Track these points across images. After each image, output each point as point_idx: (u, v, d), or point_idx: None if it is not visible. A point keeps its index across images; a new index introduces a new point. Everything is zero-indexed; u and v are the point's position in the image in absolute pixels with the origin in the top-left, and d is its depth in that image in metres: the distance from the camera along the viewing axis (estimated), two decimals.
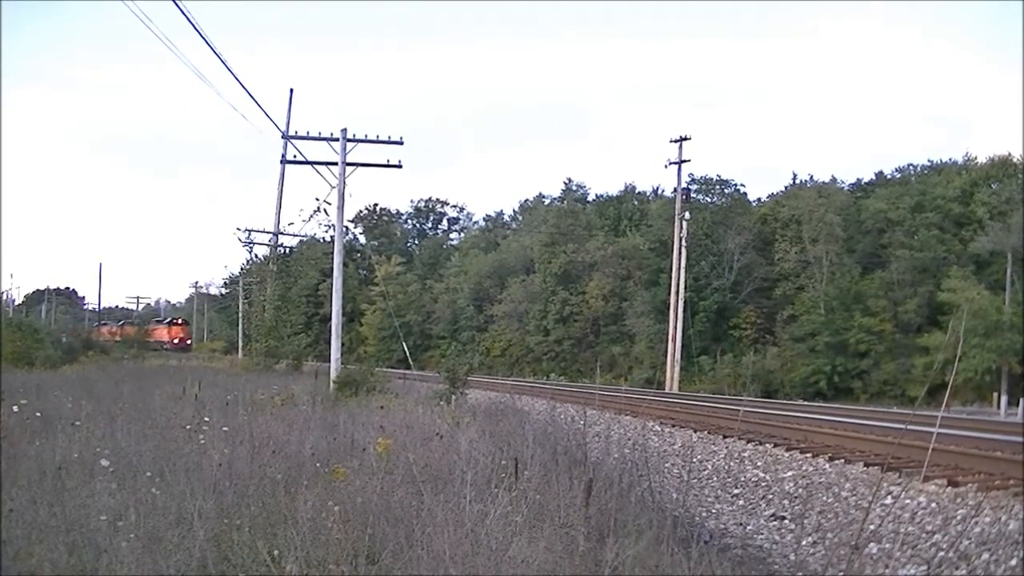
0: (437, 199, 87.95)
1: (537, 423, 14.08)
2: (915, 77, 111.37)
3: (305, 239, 48.46)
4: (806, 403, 28.97)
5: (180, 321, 78.61)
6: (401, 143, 22.05)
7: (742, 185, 61.09)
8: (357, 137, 22.22)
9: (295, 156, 24.17)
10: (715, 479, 11.99)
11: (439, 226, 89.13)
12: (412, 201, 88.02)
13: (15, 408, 9.73)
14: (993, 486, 8.92)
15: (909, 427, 12.52)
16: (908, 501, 8.88)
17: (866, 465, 10.87)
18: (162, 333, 70.99)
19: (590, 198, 71.64)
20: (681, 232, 39.55)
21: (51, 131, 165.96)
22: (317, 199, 32.65)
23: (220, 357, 53.21)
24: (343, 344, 23.78)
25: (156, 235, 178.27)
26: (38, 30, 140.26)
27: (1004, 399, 35.92)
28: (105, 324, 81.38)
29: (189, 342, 75.01)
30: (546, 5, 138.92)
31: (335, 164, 22.24)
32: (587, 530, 5.58)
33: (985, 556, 7.11)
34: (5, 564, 4.92)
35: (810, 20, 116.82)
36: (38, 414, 10.41)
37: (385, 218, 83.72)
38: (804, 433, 14.03)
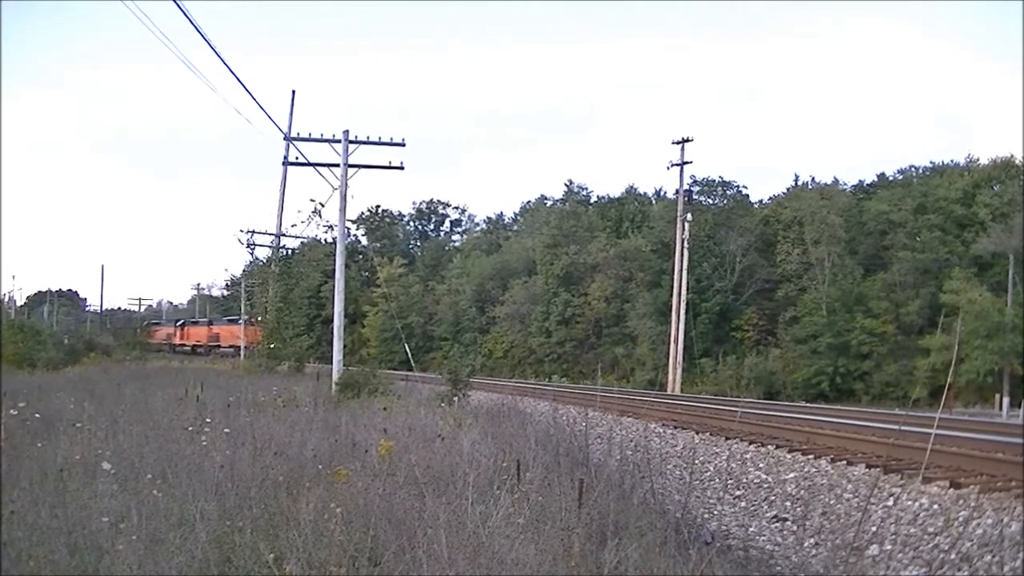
0: (439, 200, 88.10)
1: (539, 425, 14.07)
2: (917, 78, 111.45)
3: (307, 241, 48.35)
4: (808, 405, 28.92)
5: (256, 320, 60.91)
6: (403, 145, 22.04)
7: (744, 187, 61.18)
8: (359, 139, 22.20)
9: (297, 158, 24.16)
10: (717, 480, 11.99)
11: (441, 228, 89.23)
12: (414, 203, 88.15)
13: (13, 412, 9.74)
14: (995, 487, 8.91)
15: (904, 428, 12.52)
16: (909, 503, 8.87)
17: (868, 466, 10.85)
18: (235, 334, 56.01)
19: (592, 200, 71.60)
20: (683, 234, 39.54)
21: (52, 132, 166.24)
22: (312, 200, 32.50)
23: (222, 359, 53.00)
24: (345, 346, 23.76)
25: (158, 236, 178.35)
26: (38, 30, 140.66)
27: (1006, 400, 35.94)
28: (157, 324, 75.81)
29: (272, 346, 54.73)
30: (548, 7, 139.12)
31: (337, 166, 22.23)
32: (587, 532, 5.58)
33: (987, 558, 7.11)
34: (6, 566, 4.93)
35: (811, 21, 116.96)
36: (39, 416, 10.43)
37: (387, 220, 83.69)
38: (806, 435, 14.02)
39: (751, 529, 9.39)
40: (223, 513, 5.93)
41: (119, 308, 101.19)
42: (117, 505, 5.98)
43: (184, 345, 63.17)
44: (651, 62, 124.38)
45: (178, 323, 71.24)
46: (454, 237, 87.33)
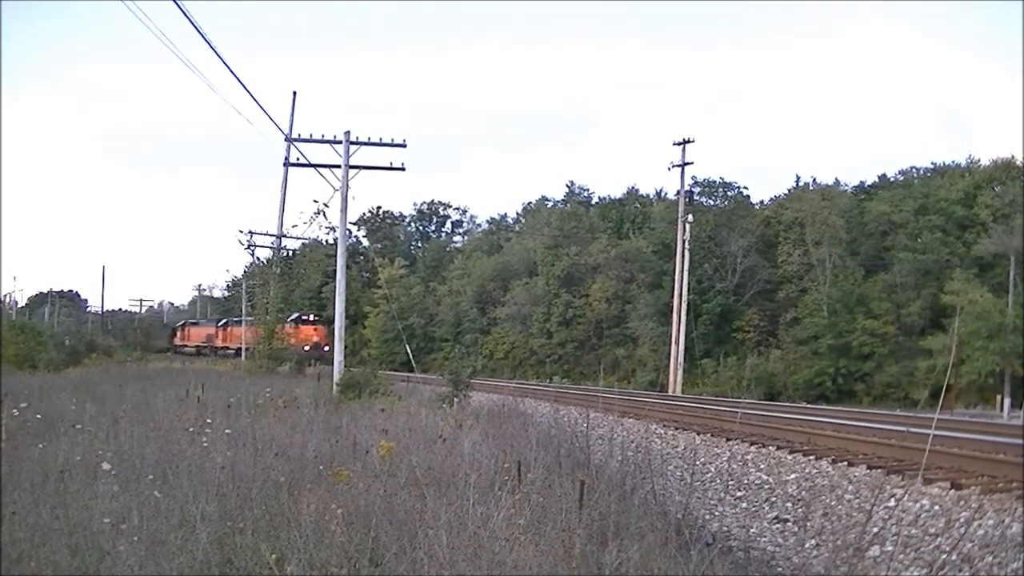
0: (440, 201, 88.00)
1: (540, 426, 14.06)
2: (917, 78, 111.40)
3: (308, 241, 48.30)
4: (809, 406, 28.90)
5: (312, 318, 52.13)
6: (404, 146, 22.04)
7: (745, 188, 61.27)
8: (360, 140, 22.21)
9: (298, 159, 24.21)
10: (718, 481, 11.97)
11: (442, 228, 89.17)
12: (415, 203, 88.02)
13: (15, 412, 9.75)
14: (996, 488, 8.90)
15: (911, 430, 12.50)
16: (911, 504, 8.86)
17: (869, 467, 10.85)
18: (301, 335, 45.98)
19: (593, 201, 71.69)
20: (684, 235, 39.56)
21: (52, 132, 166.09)
22: (316, 201, 32.45)
23: (223, 360, 52.93)
24: (346, 347, 23.76)
25: (159, 237, 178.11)
26: (38, 30, 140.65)
27: (1007, 401, 35.92)
28: (194, 323, 71.56)
29: (327, 348, 40.49)
30: (548, 7, 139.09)
31: (338, 167, 22.24)
32: (588, 533, 5.58)
33: (988, 559, 7.10)
34: (7, 566, 4.93)
35: (811, 21, 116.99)
36: (40, 417, 10.44)
37: (388, 220, 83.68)
38: (807, 436, 14.01)
39: (752, 530, 9.39)
40: (224, 514, 5.93)
41: (120, 309, 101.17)
42: (118, 506, 5.98)
43: (227, 348, 55.81)
44: (651, 63, 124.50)
45: (220, 323, 63.18)
46: (455, 238, 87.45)
